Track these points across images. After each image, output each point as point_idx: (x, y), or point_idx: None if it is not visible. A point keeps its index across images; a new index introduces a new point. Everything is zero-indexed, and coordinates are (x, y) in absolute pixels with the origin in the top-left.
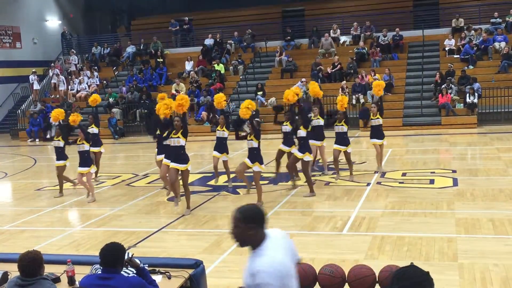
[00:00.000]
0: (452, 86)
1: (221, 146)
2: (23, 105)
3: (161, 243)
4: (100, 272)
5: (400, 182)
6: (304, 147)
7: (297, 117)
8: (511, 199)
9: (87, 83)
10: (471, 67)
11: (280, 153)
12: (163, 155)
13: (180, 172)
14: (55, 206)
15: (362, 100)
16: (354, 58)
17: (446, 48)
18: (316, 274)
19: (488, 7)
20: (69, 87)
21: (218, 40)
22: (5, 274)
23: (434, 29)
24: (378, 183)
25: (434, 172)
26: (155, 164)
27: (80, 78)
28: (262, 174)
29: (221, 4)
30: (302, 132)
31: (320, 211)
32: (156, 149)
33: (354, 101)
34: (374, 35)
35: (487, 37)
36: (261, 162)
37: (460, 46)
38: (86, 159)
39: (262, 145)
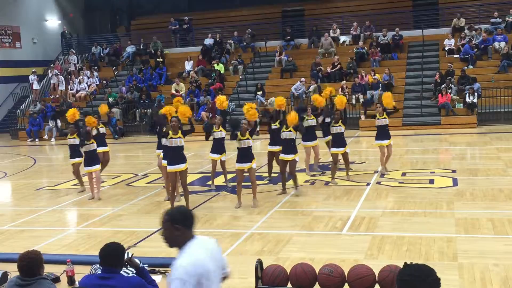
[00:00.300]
0: (452, 86)
1: (219, 146)
2: (23, 105)
3: (160, 243)
4: (99, 272)
5: (400, 182)
6: (294, 148)
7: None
8: (511, 199)
9: (86, 83)
10: (470, 67)
11: (271, 156)
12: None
13: (178, 173)
14: (54, 206)
15: (362, 100)
16: (354, 58)
17: (446, 48)
18: (316, 274)
19: (488, 7)
20: (69, 86)
21: (218, 40)
22: (5, 274)
23: (433, 29)
24: (378, 183)
25: (433, 172)
26: (155, 164)
27: (79, 78)
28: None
29: (220, 4)
30: (292, 134)
31: (320, 211)
32: (162, 153)
33: (354, 101)
34: (374, 35)
35: (487, 37)
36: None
37: (460, 46)
38: (94, 158)
39: (262, 145)
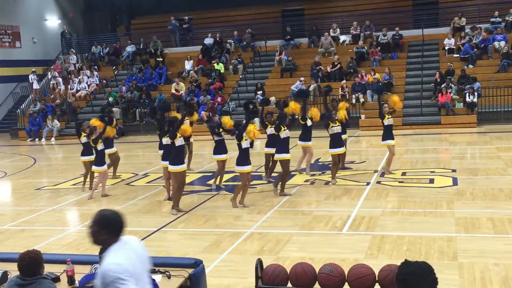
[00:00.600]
0: (452, 85)
1: (223, 147)
2: (23, 105)
3: (161, 243)
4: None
5: (400, 182)
6: (287, 148)
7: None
8: (511, 198)
9: (86, 83)
10: (470, 66)
11: (269, 157)
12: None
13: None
14: (54, 206)
15: (361, 100)
16: (354, 57)
17: (446, 48)
18: (316, 274)
19: (488, 6)
20: (69, 86)
21: (217, 39)
22: (5, 274)
23: (433, 28)
24: (378, 182)
25: (433, 172)
26: (155, 164)
27: (79, 77)
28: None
29: (220, 3)
30: (288, 132)
31: (320, 211)
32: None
33: (354, 101)
34: (374, 34)
35: (487, 36)
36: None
37: (460, 46)
38: (102, 158)
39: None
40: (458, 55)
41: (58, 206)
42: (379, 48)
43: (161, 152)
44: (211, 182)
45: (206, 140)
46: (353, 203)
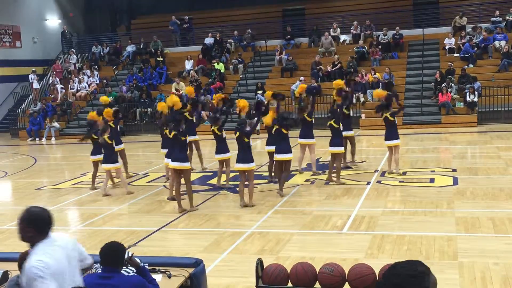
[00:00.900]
0: (452, 85)
1: (225, 146)
2: (23, 104)
3: (161, 242)
4: (100, 271)
5: (400, 181)
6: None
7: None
8: (511, 198)
9: (87, 82)
10: (471, 66)
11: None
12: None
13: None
14: (55, 206)
15: (362, 99)
16: (354, 57)
17: (446, 47)
18: (316, 273)
19: (488, 6)
20: (69, 86)
21: (218, 39)
22: (6, 273)
23: (434, 28)
24: (378, 182)
25: (434, 171)
26: (155, 163)
27: (80, 77)
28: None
29: (221, 3)
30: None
31: (320, 210)
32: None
33: (354, 100)
34: (374, 34)
35: (487, 36)
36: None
37: (460, 45)
38: (116, 155)
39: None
40: (458, 54)
41: (58, 206)
42: (379, 47)
43: (164, 151)
44: (221, 181)
45: (206, 140)
46: (353, 202)
